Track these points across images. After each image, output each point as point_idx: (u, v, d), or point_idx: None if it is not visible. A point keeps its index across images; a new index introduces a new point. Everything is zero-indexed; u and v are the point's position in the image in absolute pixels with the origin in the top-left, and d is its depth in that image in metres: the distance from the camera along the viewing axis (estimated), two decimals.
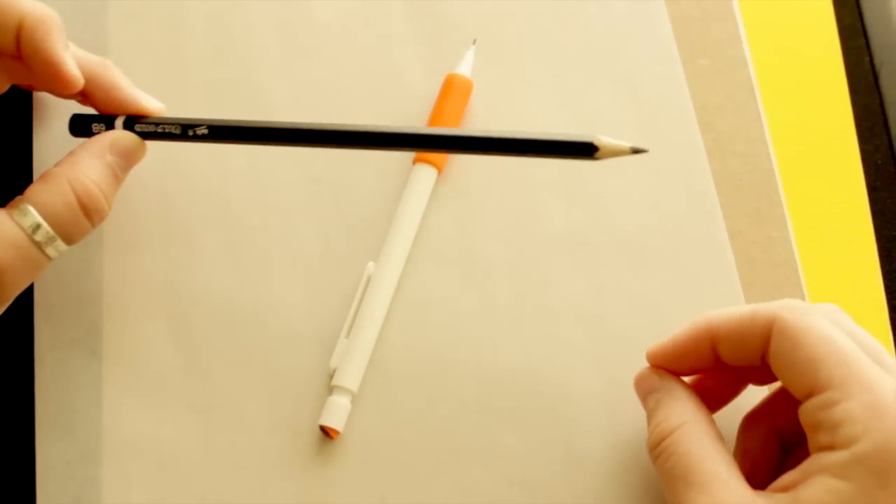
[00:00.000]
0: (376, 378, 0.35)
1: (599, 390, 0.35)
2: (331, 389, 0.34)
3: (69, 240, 0.31)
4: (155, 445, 0.34)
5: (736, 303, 0.37)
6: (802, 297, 0.38)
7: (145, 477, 0.34)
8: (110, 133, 0.33)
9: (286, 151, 0.38)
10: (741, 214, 0.39)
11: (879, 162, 0.43)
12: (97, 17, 0.39)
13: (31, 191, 0.30)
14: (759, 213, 0.39)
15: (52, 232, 0.30)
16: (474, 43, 0.40)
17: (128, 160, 0.33)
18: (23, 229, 0.29)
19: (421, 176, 0.37)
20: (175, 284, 0.36)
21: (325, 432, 0.34)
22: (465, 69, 0.39)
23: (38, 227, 0.29)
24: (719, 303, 0.36)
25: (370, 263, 0.36)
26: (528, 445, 0.35)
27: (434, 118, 0.38)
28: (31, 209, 0.30)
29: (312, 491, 0.34)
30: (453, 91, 0.39)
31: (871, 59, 0.46)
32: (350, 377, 0.34)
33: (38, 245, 0.30)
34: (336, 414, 0.34)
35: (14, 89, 0.34)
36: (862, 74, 0.45)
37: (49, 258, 0.30)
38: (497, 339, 0.36)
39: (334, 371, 0.35)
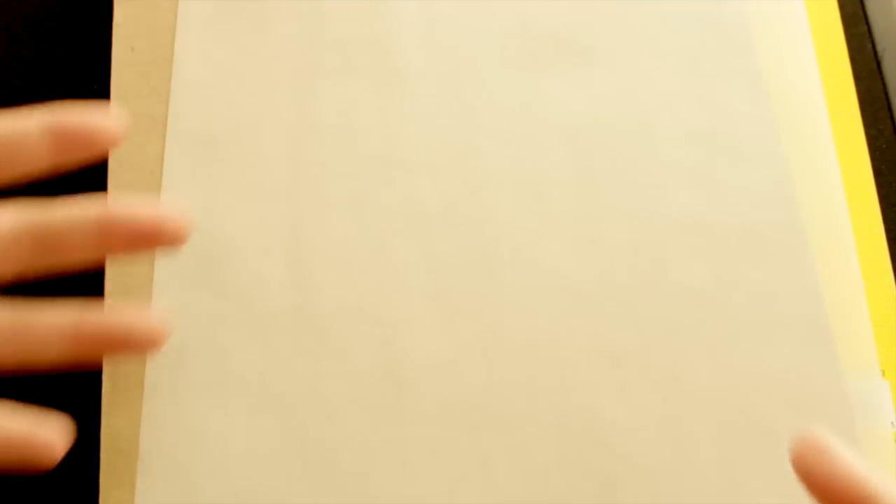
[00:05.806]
0: None
1: (708, 375, 0.35)
2: None
3: None
4: (262, 385, 0.33)
5: (857, 298, 0.37)
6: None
7: (247, 416, 0.33)
8: None
9: None
10: None
11: (884, 146, 0.45)
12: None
13: None
14: None
15: None
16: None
17: None
18: None
19: None
20: (297, 229, 0.36)
21: None
22: None
23: None
24: (840, 298, 0.37)
25: None
26: (637, 422, 0.35)
27: None
28: None
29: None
30: None
31: (874, 46, 0.48)
32: None
33: None
34: None
35: None
36: (865, 61, 0.47)
37: None
38: (611, 315, 0.36)
39: None
